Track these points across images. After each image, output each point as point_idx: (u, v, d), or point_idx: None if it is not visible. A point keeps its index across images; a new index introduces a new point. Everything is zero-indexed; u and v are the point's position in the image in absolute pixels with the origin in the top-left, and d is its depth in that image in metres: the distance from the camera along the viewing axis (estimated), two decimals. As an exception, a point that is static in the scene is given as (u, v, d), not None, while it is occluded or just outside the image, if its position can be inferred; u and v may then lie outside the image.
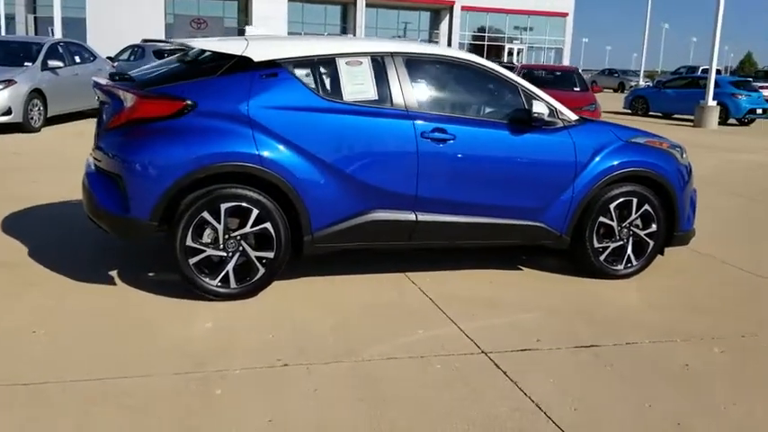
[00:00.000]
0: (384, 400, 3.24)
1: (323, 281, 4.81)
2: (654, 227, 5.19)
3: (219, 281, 4.29)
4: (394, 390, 3.35)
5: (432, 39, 51.84)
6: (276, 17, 46.30)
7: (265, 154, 4.23)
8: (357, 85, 4.52)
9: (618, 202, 5.06)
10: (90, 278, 4.61)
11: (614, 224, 5.10)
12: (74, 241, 5.48)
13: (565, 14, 56.37)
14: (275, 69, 4.37)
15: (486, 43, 52.81)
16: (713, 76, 20.86)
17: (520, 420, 3.12)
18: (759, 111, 22.17)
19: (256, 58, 4.37)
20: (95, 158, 4.52)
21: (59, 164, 8.91)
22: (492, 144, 4.76)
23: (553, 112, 4.86)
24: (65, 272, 4.69)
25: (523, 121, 4.79)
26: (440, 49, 4.99)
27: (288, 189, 4.29)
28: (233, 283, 4.32)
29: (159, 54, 17.37)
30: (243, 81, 4.31)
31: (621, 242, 5.16)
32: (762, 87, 25.59)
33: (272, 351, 3.69)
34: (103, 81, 4.72)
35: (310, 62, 4.50)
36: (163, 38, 37.63)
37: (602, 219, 5.05)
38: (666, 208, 5.21)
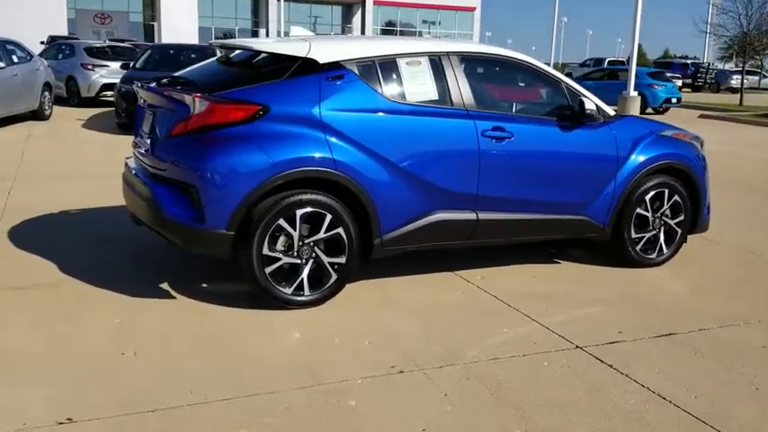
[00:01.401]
0: (517, 401, 3.24)
1: (378, 284, 4.74)
2: (682, 216, 5.43)
3: (294, 289, 4.17)
4: (519, 390, 3.35)
5: (344, 33, 51.70)
6: (185, 11, 44.97)
7: (339, 158, 4.14)
8: (418, 85, 4.48)
9: (653, 193, 5.25)
10: (143, 293, 4.37)
11: (649, 215, 5.29)
12: (101, 253, 5.18)
13: (472, 9, 57.66)
14: (341, 71, 4.27)
15: (398, 28, 53.21)
16: (634, 67, 21.83)
17: (656, 413, 3.20)
18: (674, 100, 23.42)
19: (321, 60, 4.25)
20: (153, 166, 4.27)
21: (30, 172, 8.34)
22: (546, 141, 4.83)
23: (597, 107, 4.99)
24: (112, 287, 4.42)
25: (573, 117, 4.89)
26: (491, 48, 5.01)
27: (360, 193, 4.21)
28: (307, 291, 4.20)
29: (90, 51, 16.50)
30: (312, 84, 4.19)
31: (654, 231, 5.35)
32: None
33: (378, 358, 3.62)
34: (150, 84, 4.48)
35: (372, 63, 4.41)
36: (66, 33, 35.90)
37: (638, 210, 5.23)
38: (692, 197, 5.46)
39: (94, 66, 15.97)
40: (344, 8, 54.35)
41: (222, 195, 3.95)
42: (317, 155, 4.09)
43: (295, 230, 4.10)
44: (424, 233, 4.50)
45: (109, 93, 15.85)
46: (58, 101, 14.79)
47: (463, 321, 4.20)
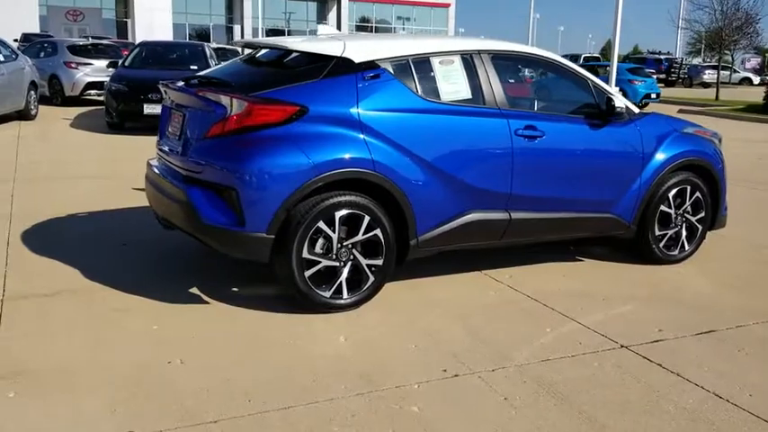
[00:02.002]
0: (579, 404, 3.21)
1: (410, 284, 4.69)
2: (702, 213, 5.46)
3: (333, 292, 4.10)
4: (578, 392, 3.32)
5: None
6: (159, 8, 44.41)
7: (377, 159, 4.08)
8: (452, 84, 4.44)
9: (675, 190, 5.27)
10: (174, 298, 4.28)
11: (672, 212, 5.32)
12: (121, 257, 5.06)
13: (447, 5, 57.79)
14: (377, 70, 4.21)
15: (373, 24, 53.08)
16: (615, 64, 22.01)
17: (717, 412, 3.19)
18: (653, 95, 23.69)
19: (357, 59, 4.19)
20: (187, 169, 4.16)
21: (29, 174, 8.14)
22: (576, 139, 4.82)
23: (625, 105, 4.99)
24: (140, 292, 4.32)
25: (601, 115, 4.88)
26: (520, 46, 4.97)
27: (398, 193, 4.15)
28: (345, 294, 4.14)
29: (73, 50, 16.16)
30: (349, 83, 4.12)
31: (677, 228, 5.38)
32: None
33: (428, 361, 3.58)
34: (179, 84, 4.37)
35: (406, 62, 4.35)
36: (38, 31, 35.24)
37: (662, 207, 5.25)
38: (711, 194, 5.49)
39: (78, 64, 15.64)
40: (319, 4, 54.12)
41: (262, 198, 3.87)
42: (356, 156, 4.03)
43: (334, 233, 4.03)
44: (458, 233, 4.46)
45: (93, 92, 15.57)
46: (41, 100, 14.46)
47: (504, 321, 4.16)
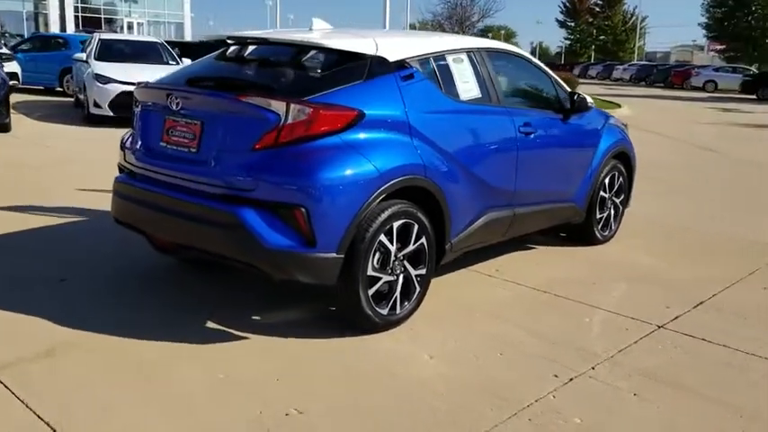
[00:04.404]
0: (696, 388, 3.37)
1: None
2: (623, 195, 6.03)
3: (389, 308, 3.83)
4: (683, 377, 3.49)
5: (39, 10, 45.94)
6: None
7: (427, 163, 3.87)
8: (465, 82, 4.35)
9: (609, 176, 5.75)
10: (203, 337, 3.68)
11: (607, 196, 5.79)
12: (87, 297, 4.18)
13: (181, -11, 55.09)
14: (409, 70, 3.97)
15: (102, 16, 48.80)
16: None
17: (792, 373, 3.60)
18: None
19: (391, 58, 3.90)
20: (227, 186, 3.50)
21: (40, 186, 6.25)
22: (553, 133, 5.03)
23: (586, 98, 5.29)
24: (156, 335, 3.63)
25: (565, 109, 5.12)
26: (500, 44, 5.02)
27: (441, 198, 3.99)
28: (398, 308, 3.89)
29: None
30: (391, 84, 3.83)
31: (608, 211, 5.87)
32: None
33: (530, 368, 3.53)
34: (192, 88, 3.69)
35: (428, 60, 4.16)
36: None
37: (601, 193, 5.69)
38: (628, 178, 6.08)
39: None
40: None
41: (334, 214, 3.45)
42: (411, 162, 3.78)
43: (392, 245, 3.75)
44: (478, 234, 4.42)
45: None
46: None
47: (543, 317, 4.22)
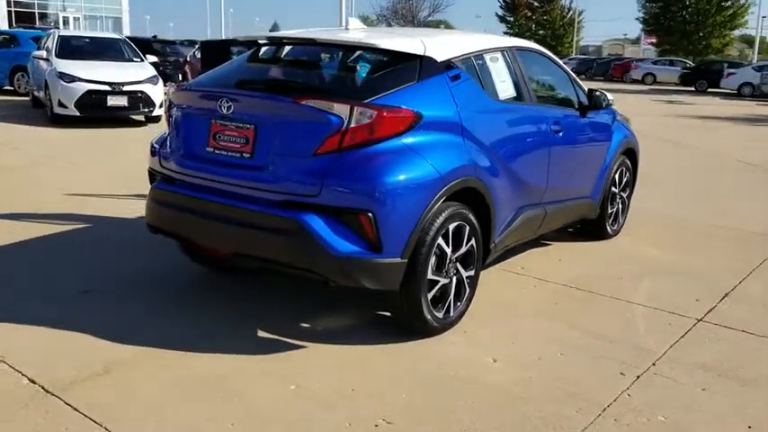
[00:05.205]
0: (761, 382, 3.46)
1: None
2: (629, 190, 6.13)
3: (445, 311, 3.79)
4: (744, 371, 3.55)
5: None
6: None
7: (478, 164, 3.84)
8: (502, 82, 4.33)
9: (619, 172, 5.83)
10: (257, 347, 3.57)
11: (617, 190, 5.88)
12: (155, 302, 3.99)
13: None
14: (456, 70, 3.92)
15: (35, 11, 46.98)
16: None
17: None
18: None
19: (439, 58, 3.85)
20: (286, 192, 3.39)
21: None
22: (576, 132, 5.06)
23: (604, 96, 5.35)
24: (206, 348, 3.50)
25: (583, 108, 5.16)
26: (527, 43, 5.01)
27: (489, 198, 3.96)
28: (452, 311, 3.85)
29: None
30: (442, 85, 3.78)
31: (618, 206, 5.96)
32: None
33: (593, 366, 3.55)
34: (241, 91, 3.54)
35: (469, 59, 4.12)
36: None
37: (612, 188, 5.77)
38: (633, 171, 6.19)
39: None
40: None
41: (400, 219, 3.38)
42: (465, 163, 3.74)
43: (448, 247, 3.71)
44: (517, 232, 4.42)
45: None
46: None
47: (582, 313, 4.25)
